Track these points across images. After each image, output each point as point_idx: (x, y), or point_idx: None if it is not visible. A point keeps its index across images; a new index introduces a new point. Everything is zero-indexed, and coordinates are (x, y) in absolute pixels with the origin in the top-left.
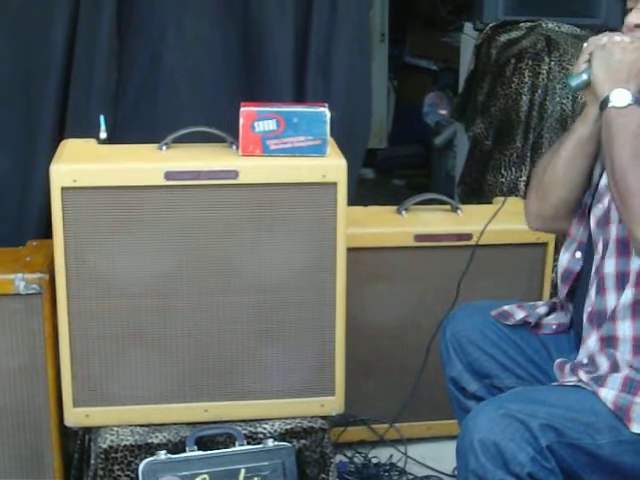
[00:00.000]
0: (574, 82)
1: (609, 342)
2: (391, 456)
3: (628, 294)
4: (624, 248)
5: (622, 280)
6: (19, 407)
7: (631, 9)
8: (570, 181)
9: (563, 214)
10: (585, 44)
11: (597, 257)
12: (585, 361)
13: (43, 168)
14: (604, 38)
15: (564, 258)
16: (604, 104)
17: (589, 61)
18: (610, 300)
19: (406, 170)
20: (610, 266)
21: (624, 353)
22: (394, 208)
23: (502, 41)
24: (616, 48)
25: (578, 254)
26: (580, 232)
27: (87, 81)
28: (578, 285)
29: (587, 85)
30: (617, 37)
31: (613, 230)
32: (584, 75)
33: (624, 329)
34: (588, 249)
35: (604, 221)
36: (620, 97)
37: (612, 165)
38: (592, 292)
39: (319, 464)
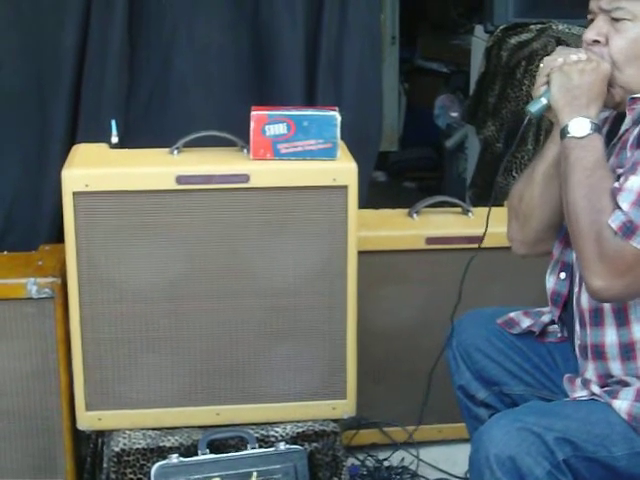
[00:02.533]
0: (534, 108)
1: (607, 378)
2: (403, 459)
3: (613, 335)
4: None
5: (598, 316)
6: (32, 411)
7: (591, 20)
8: (549, 204)
9: (548, 237)
10: (541, 65)
11: (576, 289)
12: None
13: (55, 173)
14: (560, 58)
15: (550, 281)
16: (563, 133)
17: (547, 83)
18: (593, 336)
19: (417, 173)
20: (585, 301)
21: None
22: (405, 211)
23: (513, 43)
24: (574, 71)
25: (563, 275)
26: (561, 253)
27: (98, 85)
28: (568, 306)
29: (548, 108)
30: (573, 56)
31: None
32: (543, 99)
33: (616, 369)
34: (572, 270)
35: None
36: (579, 127)
37: (567, 204)
38: (577, 326)
39: (331, 467)
